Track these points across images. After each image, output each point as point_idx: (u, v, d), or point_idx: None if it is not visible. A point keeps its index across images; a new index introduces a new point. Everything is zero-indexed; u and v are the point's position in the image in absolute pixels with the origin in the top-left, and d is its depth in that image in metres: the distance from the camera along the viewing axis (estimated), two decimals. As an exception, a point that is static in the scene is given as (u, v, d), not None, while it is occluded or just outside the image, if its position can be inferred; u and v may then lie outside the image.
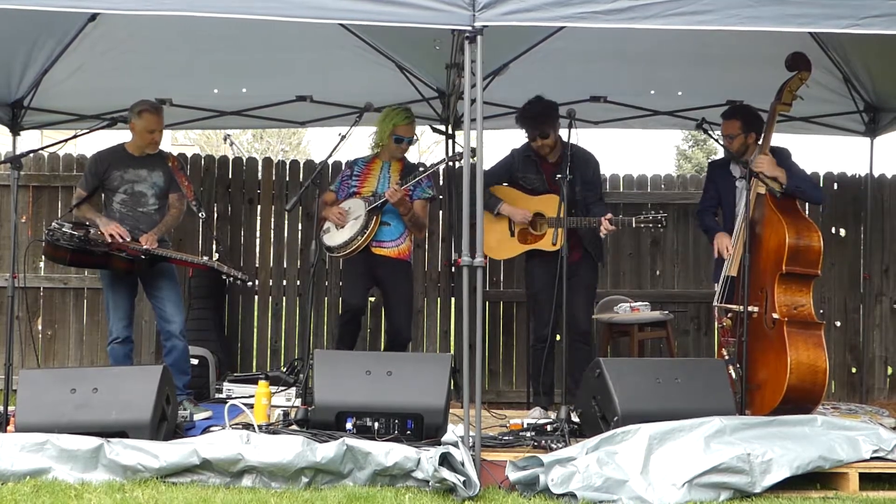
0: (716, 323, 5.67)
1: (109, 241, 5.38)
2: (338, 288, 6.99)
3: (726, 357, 5.22)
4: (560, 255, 5.09)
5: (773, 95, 5.54)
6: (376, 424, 4.49)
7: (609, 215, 5.40)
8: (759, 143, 5.49)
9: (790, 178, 5.32)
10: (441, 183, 7.23)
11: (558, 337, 5.57)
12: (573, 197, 5.46)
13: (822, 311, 6.97)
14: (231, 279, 5.55)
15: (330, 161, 6.21)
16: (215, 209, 7.27)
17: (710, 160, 5.73)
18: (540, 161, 5.66)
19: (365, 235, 5.66)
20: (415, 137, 5.95)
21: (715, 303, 5.48)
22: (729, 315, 5.31)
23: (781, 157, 5.45)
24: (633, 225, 5.44)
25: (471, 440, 4.22)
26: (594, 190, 5.71)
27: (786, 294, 5.18)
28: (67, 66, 6.44)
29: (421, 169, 5.71)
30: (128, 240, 5.42)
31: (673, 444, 4.19)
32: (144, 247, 5.45)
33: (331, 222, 5.77)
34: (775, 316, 5.12)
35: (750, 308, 5.18)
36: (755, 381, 5.19)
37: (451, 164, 5.78)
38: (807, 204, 5.98)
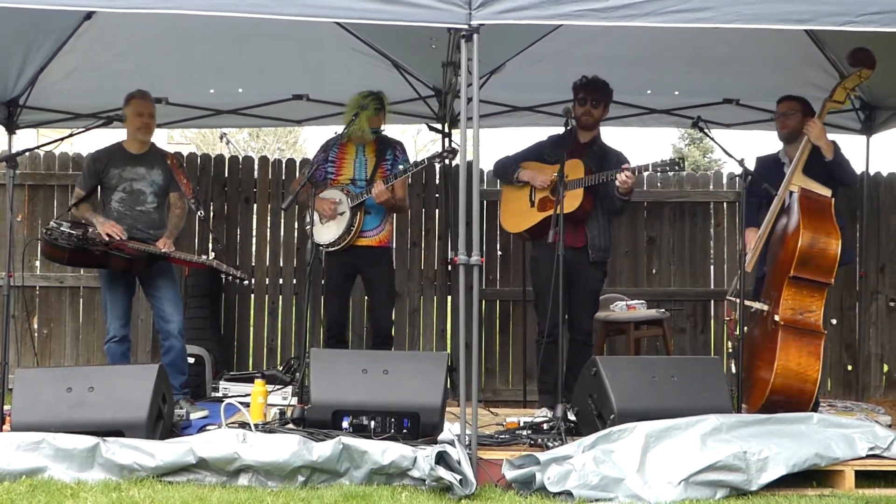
0: (725, 315, 5.66)
1: (107, 239, 5.38)
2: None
3: (730, 351, 5.21)
4: (557, 253, 5.06)
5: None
6: (373, 423, 4.48)
7: (625, 167, 5.27)
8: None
9: (836, 152, 5.28)
10: (438, 181, 7.23)
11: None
12: (597, 191, 5.46)
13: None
14: (230, 277, 5.54)
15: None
16: (212, 208, 7.26)
17: (757, 157, 5.69)
18: (572, 140, 5.60)
19: (352, 233, 5.69)
20: (382, 126, 5.92)
21: (728, 296, 5.51)
22: (752, 310, 5.31)
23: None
24: (650, 171, 5.33)
25: (467, 439, 4.22)
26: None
27: (794, 298, 5.09)
28: (63, 65, 6.44)
29: (406, 166, 5.66)
30: (124, 238, 5.42)
31: (669, 442, 4.19)
32: (163, 250, 5.46)
33: (322, 214, 5.71)
34: (776, 318, 5.10)
35: (761, 306, 5.19)
36: (753, 378, 5.19)
37: (438, 162, 5.72)
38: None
